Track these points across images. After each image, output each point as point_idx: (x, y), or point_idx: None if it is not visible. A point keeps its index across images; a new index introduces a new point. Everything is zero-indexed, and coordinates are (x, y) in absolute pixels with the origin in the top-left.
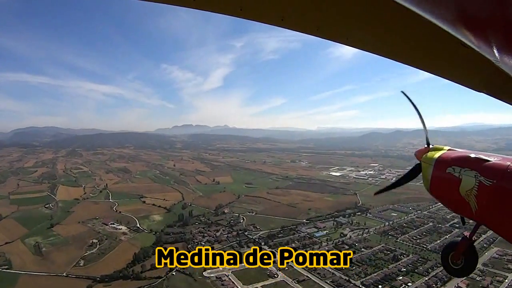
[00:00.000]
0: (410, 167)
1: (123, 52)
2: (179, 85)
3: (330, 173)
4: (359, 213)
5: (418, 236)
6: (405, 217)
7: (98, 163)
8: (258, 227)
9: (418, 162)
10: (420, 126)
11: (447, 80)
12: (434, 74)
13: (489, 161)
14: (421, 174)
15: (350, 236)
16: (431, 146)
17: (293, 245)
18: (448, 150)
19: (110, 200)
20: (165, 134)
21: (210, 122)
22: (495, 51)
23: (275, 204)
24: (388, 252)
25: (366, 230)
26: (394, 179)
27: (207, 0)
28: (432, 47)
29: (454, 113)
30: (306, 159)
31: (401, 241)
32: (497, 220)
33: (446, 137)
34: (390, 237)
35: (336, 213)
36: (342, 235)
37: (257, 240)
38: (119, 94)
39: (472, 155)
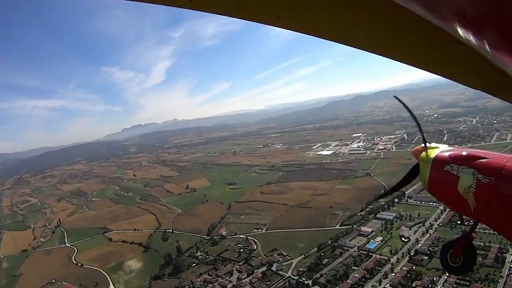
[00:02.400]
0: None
1: (61, 61)
2: (122, 86)
3: (318, 152)
4: (396, 201)
5: None
6: None
7: (47, 189)
8: (284, 253)
9: (417, 162)
10: (382, 87)
11: None
12: (431, 72)
13: (487, 158)
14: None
15: (417, 239)
16: (428, 144)
17: (356, 275)
18: (446, 148)
19: (67, 245)
20: (115, 139)
21: (158, 118)
22: (491, 48)
23: (282, 208)
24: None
25: (429, 224)
26: (394, 147)
27: (203, 1)
28: (428, 45)
29: (402, 71)
30: (277, 140)
31: (486, 231)
32: (495, 218)
33: (410, 95)
34: (465, 227)
35: (369, 207)
36: (403, 239)
37: (296, 277)
38: (63, 106)
39: (470, 153)
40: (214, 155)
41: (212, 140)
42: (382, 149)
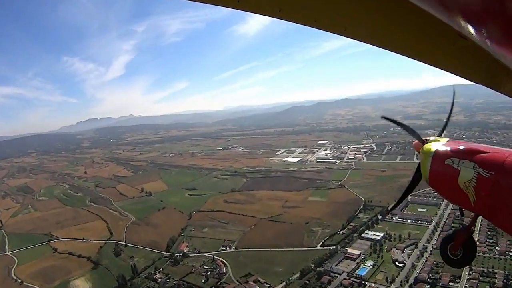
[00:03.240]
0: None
1: (20, 48)
2: (81, 77)
3: (283, 159)
4: (379, 218)
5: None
6: (444, 212)
7: None
8: (261, 280)
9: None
10: (343, 96)
11: (354, 50)
12: (433, 66)
13: (487, 153)
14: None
15: (413, 264)
16: (430, 138)
17: None
18: (447, 141)
19: (7, 253)
20: (70, 132)
21: (115, 113)
22: (493, 43)
23: (250, 221)
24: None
25: (422, 246)
26: (364, 157)
27: None
28: (431, 38)
29: (365, 81)
30: (237, 143)
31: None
32: (495, 212)
33: (372, 105)
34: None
35: (351, 225)
36: (397, 264)
37: None
38: (19, 95)
39: (471, 147)
40: (171, 155)
41: (168, 139)
42: (353, 159)
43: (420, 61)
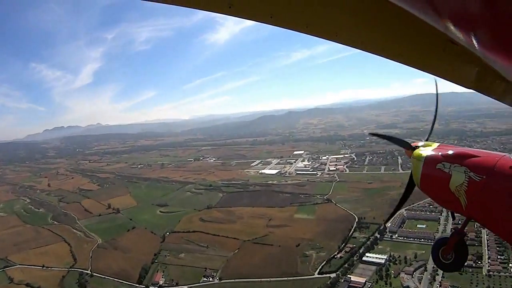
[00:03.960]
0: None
1: None
2: (49, 85)
3: (260, 171)
4: (378, 236)
5: None
6: (445, 227)
7: None
8: None
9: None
10: (312, 105)
11: (322, 60)
12: (423, 71)
13: (478, 157)
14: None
15: None
16: (421, 143)
17: None
18: (438, 146)
19: None
20: (36, 140)
21: (82, 121)
22: (483, 48)
23: (233, 243)
24: None
25: (432, 268)
26: (346, 168)
27: None
28: (421, 44)
29: (334, 91)
30: (209, 153)
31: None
32: (486, 215)
33: (344, 114)
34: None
35: (348, 246)
36: None
37: None
38: None
39: (462, 151)
40: (139, 166)
41: (136, 149)
42: (334, 170)
43: (411, 67)
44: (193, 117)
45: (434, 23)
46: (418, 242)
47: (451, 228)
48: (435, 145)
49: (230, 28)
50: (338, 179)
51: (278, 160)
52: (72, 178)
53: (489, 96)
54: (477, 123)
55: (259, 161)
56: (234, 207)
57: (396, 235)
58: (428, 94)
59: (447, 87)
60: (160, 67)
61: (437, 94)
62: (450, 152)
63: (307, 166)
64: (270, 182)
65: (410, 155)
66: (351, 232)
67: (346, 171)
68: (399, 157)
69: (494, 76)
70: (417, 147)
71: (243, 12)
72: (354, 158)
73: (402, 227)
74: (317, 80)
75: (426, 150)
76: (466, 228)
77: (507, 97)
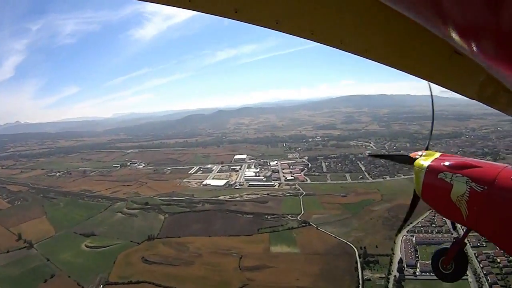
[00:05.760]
0: None
1: None
2: None
3: (204, 181)
4: (398, 275)
5: None
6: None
7: None
8: None
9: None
10: (241, 104)
11: (248, 60)
12: (427, 80)
13: (480, 167)
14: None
15: None
16: (423, 152)
17: None
18: (440, 155)
19: None
20: None
21: (0, 119)
22: (487, 58)
23: None
24: None
25: None
26: (306, 177)
27: (203, 2)
28: (426, 53)
29: (260, 90)
30: (137, 158)
31: None
32: (487, 226)
33: (277, 114)
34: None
35: None
36: None
37: None
38: None
39: (464, 161)
40: (58, 174)
41: (55, 151)
42: (292, 179)
43: (415, 76)
44: (115, 115)
45: (439, 32)
46: None
47: (453, 238)
48: (437, 154)
49: (157, 24)
50: (303, 192)
51: (220, 167)
52: None
53: (493, 108)
54: (419, 125)
55: (197, 167)
56: (185, 237)
57: (419, 270)
58: (356, 95)
59: (376, 89)
60: (85, 62)
61: (432, 100)
62: (452, 162)
63: (257, 174)
64: (222, 197)
65: (411, 163)
66: (360, 272)
67: (307, 180)
68: (358, 162)
69: (498, 87)
70: (419, 156)
71: (249, 18)
72: (308, 164)
73: (418, 257)
74: (243, 79)
75: (428, 159)
76: (466, 238)
77: (510, 108)
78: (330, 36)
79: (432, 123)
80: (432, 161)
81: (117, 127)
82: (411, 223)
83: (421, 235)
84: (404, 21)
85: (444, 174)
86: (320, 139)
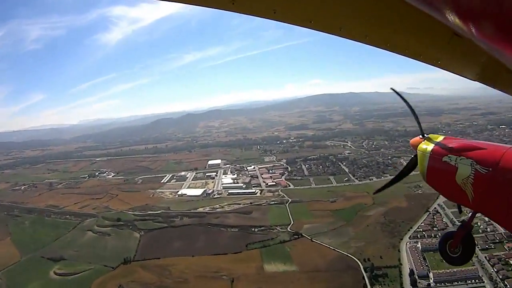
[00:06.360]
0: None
1: None
2: None
3: (178, 191)
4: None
5: None
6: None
7: None
8: None
9: (415, 153)
10: (209, 107)
11: (213, 63)
12: (428, 64)
13: (484, 149)
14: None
15: None
16: (426, 135)
17: None
18: (444, 138)
19: None
20: None
21: None
22: (488, 40)
23: None
24: None
25: None
26: (289, 183)
27: None
28: (426, 37)
29: (227, 92)
30: (105, 167)
31: None
32: (493, 208)
33: (246, 116)
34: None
35: None
36: None
37: None
38: None
39: (468, 144)
40: (23, 188)
41: (21, 162)
42: (274, 185)
43: (416, 59)
44: (81, 122)
45: (439, 16)
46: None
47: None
48: (441, 137)
49: (123, 28)
50: (289, 199)
51: (194, 174)
52: None
53: (494, 88)
54: (392, 122)
55: (170, 175)
56: (165, 258)
57: (432, 281)
58: (325, 94)
59: (344, 88)
60: (50, 68)
61: (406, 101)
62: (456, 144)
63: (235, 181)
64: (201, 209)
65: (415, 145)
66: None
67: (290, 185)
68: (339, 163)
69: (499, 68)
70: (425, 138)
71: (246, 8)
72: (288, 167)
73: (428, 266)
74: (210, 81)
75: (432, 143)
76: (473, 221)
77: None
78: (329, 24)
79: (411, 108)
80: (436, 145)
81: (83, 134)
82: (410, 227)
83: (425, 240)
84: (403, 6)
85: (449, 157)
86: (295, 140)
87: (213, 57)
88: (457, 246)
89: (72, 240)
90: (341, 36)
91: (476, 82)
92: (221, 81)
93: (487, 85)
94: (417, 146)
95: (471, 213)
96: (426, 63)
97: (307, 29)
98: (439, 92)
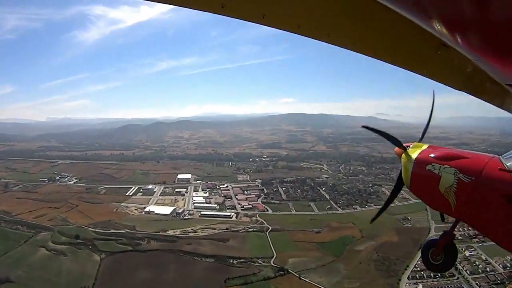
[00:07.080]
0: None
1: None
2: None
3: (146, 207)
4: None
5: None
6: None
7: None
8: None
9: (400, 168)
10: (182, 116)
11: (187, 72)
12: (416, 73)
13: (468, 158)
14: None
15: None
16: (411, 144)
17: None
18: (428, 147)
19: None
20: None
21: None
22: (474, 51)
23: None
24: None
25: None
26: (266, 207)
27: None
28: (414, 46)
29: (198, 103)
30: (67, 171)
31: None
32: (475, 217)
33: (216, 129)
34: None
35: None
36: None
37: None
38: None
39: (452, 152)
40: None
41: None
42: (250, 208)
43: (403, 68)
44: (49, 120)
45: (426, 25)
46: None
47: (443, 231)
48: (425, 146)
49: (101, 28)
50: (269, 226)
51: (162, 188)
52: None
53: (480, 98)
54: (367, 147)
55: (137, 187)
56: None
57: None
58: (297, 114)
59: (315, 108)
60: (22, 61)
61: (434, 98)
62: (440, 153)
63: (208, 200)
64: (171, 232)
65: (400, 154)
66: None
67: (267, 210)
68: (318, 188)
69: (484, 79)
70: (408, 147)
71: (236, 12)
72: (263, 189)
73: None
74: (182, 91)
75: (416, 151)
76: (455, 229)
77: (496, 99)
78: (317, 30)
79: (429, 119)
80: (420, 153)
81: (49, 133)
82: (407, 266)
83: (427, 282)
84: (391, 15)
85: (432, 165)
86: (268, 159)
87: (187, 67)
88: (439, 254)
89: (22, 257)
90: (329, 43)
91: (447, 107)
92: (193, 92)
93: (471, 94)
94: (401, 155)
95: (453, 222)
96: (413, 72)
97: (283, 46)
98: (408, 120)
